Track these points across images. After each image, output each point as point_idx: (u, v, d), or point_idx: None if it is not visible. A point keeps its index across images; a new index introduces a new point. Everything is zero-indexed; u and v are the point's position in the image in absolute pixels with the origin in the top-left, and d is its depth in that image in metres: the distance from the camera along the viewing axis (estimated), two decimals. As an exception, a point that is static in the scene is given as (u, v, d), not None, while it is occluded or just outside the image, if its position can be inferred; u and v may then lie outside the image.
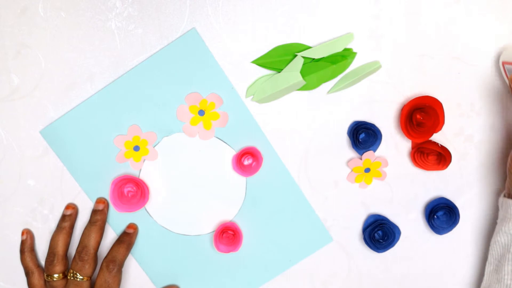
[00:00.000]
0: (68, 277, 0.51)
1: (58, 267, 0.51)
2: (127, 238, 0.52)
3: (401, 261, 0.56)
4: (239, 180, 0.53)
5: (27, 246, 0.53)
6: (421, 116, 0.52)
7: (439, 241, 0.55)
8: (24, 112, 0.51)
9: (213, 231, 0.54)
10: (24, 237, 0.53)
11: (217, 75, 0.51)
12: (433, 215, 0.53)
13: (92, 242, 0.51)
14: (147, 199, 0.53)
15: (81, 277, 0.50)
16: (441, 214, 0.54)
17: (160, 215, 0.54)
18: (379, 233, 0.54)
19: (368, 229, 0.53)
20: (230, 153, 0.53)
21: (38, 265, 0.53)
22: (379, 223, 0.53)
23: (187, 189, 0.54)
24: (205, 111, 0.51)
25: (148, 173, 0.53)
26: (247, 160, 0.53)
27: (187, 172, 0.53)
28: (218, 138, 0.52)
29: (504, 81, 0.52)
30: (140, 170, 0.53)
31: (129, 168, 0.53)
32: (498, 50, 0.52)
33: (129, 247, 0.52)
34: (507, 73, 0.48)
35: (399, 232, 0.54)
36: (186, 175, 0.53)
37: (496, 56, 0.52)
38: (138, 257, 0.54)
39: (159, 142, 0.52)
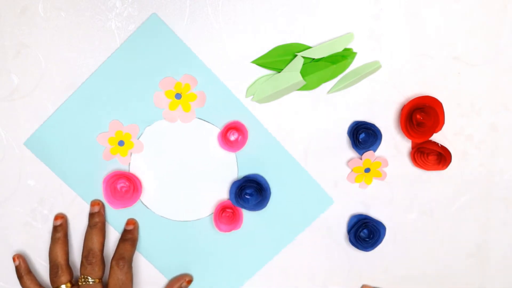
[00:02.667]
0: (80, 283, 0.51)
1: (64, 277, 0.51)
2: (129, 235, 0.52)
3: (401, 261, 0.56)
4: (229, 156, 0.53)
5: (23, 270, 0.52)
6: (421, 116, 0.52)
7: (439, 241, 0.55)
8: (24, 112, 0.51)
9: (212, 213, 0.54)
10: (17, 263, 0.52)
11: (186, 56, 0.50)
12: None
13: (96, 244, 0.51)
14: (141, 191, 0.53)
15: (92, 280, 0.50)
16: None
17: (157, 205, 0.54)
18: (365, 232, 0.54)
19: (352, 230, 0.53)
20: (214, 132, 0.53)
21: (39, 284, 0.53)
22: (362, 222, 0.53)
23: (179, 175, 0.53)
24: (182, 94, 0.51)
25: (137, 166, 0.53)
26: (233, 135, 0.53)
27: (176, 158, 0.53)
28: (200, 119, 0.52)
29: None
30: (129, 164, 0.53)
31: (118, 164, 0.53)
32: (498, 52, 0.52)
33: (134, 243, 0.53)
34: None
35: (384, 228, 0.54)
36: (176, 161, 0.53)
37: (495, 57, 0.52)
38: (143, 251, 0.54)
39: (142, 133, 0.52)
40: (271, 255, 0.55)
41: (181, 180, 0.53)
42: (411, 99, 0.51)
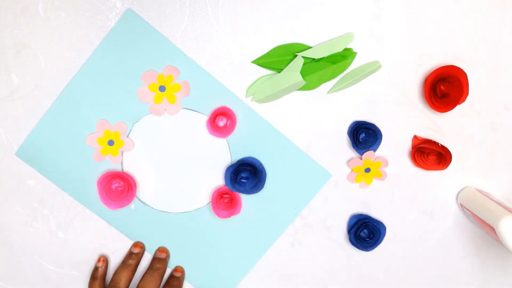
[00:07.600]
0: None
1: None
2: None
3: (401, 261, 0.56)
4: (220, 143, 0.53)
5: (100, 274, 0.53)
6: (445, 87, 0.51)
7: (439, 240, 0.55)
8: (24, 112, 0.51)
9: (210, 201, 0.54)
10: (100, 265, 0.53)
11: (165, 47, 0.50)
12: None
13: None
14: (135, 190, 0.53)
15: None
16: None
17: (155, 200, 0.54)
18: (365, 232, 0.54)
19: (353, 230, 0.53)
20: (202, 120, 0.52)
21: None
22: (363, 222, 0.53)
23: (173, 167, 0.53)
24: (165, 86, 0.51)
25: (130, 163, 0.53)
26: (221, 121, 0.52)
27: (168, 151, 0.53)
28: (187, 109, 0.52)
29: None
30: (121, 162, 0.53)
31: (110, 164, 0.53)
32: (498, 52, 0.52)
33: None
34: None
35: (384, 228, 0.54)
36: (168, 154, 0.53)
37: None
38: (151, 250, 0.54)
39: (131, 130, 0.52)
40: (277, 235, 0.55)
41: (175, 172, 0.53)
42: (434, 69, 0.51)
